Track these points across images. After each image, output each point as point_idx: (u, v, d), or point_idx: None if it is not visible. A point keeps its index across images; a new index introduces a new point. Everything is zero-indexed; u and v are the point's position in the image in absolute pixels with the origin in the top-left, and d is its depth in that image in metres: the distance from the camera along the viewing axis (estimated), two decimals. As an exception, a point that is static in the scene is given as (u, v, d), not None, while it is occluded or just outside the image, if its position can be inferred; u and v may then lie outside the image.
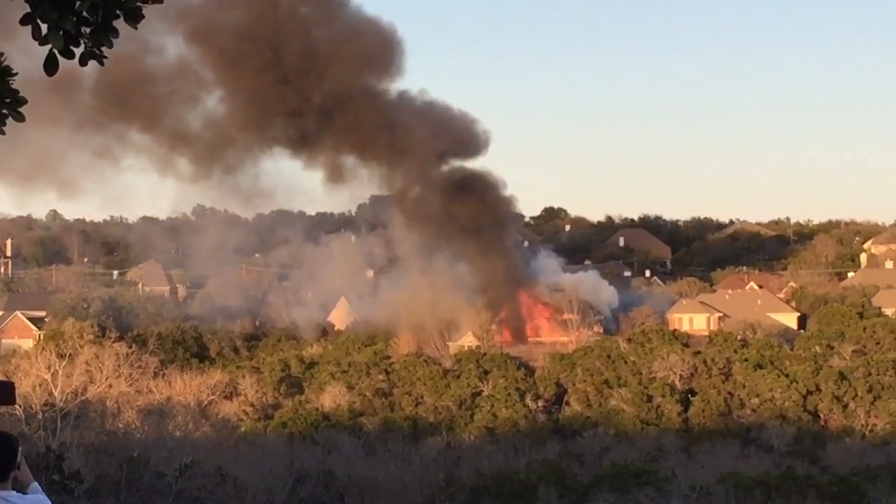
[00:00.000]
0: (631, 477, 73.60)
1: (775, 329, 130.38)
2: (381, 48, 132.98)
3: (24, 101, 8.70)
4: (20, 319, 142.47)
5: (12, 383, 11.17)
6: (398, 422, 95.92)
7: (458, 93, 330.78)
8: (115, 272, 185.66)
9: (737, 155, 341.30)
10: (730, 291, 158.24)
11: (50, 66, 8.50)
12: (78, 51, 8.50)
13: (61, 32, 8.37)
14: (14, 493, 10.29)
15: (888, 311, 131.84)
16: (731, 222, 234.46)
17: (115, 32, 8.49)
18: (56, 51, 8.41)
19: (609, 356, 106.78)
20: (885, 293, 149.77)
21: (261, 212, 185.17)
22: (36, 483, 10.52)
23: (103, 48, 8.48)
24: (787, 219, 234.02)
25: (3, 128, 8.75)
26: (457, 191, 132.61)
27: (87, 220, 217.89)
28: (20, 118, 8.70)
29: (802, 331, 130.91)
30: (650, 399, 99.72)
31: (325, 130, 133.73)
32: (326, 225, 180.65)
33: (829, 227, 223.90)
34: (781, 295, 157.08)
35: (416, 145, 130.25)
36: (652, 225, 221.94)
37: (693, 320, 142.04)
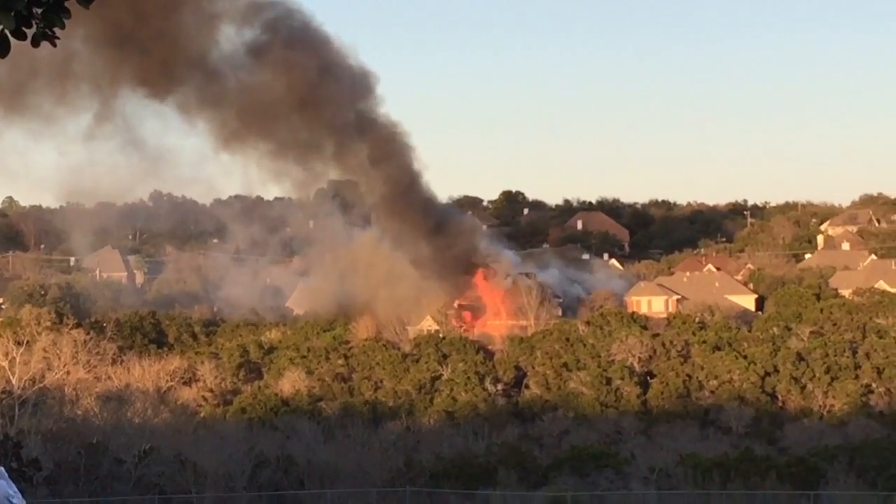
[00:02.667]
0: (590, 459, 73.82)
1: (733, 311, 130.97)
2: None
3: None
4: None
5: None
6: (358, 406, 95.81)
7: (413, 76, 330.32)
8: (72, 258, 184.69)
9: (694, 138, 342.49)
10: (688, 274, 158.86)
11: (1, 48, 8.36)
12: (30, 32, 8.37)
13: (12, 13, 8.24)
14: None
15: (845, 293, 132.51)
16: (689, 205, 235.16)
17: (67, 13, 8.36)
18: (7, 32, 8.28)
19: (568, 339, 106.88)
20: (841, 274, 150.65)
21: (218, 197, 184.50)
22: (2, 468, 10.44)
23: (55, 29, 8.36)
24: (745, 201, 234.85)
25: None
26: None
27: (44, 206, 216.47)
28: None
29: (760, 312, 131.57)
30: (609, 382, 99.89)
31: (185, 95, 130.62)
32: (284, 209, 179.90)
33: (786, 208, 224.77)
34: (739, 277, 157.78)
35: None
36: (610, 208, 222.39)
37: (651, 303, 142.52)
